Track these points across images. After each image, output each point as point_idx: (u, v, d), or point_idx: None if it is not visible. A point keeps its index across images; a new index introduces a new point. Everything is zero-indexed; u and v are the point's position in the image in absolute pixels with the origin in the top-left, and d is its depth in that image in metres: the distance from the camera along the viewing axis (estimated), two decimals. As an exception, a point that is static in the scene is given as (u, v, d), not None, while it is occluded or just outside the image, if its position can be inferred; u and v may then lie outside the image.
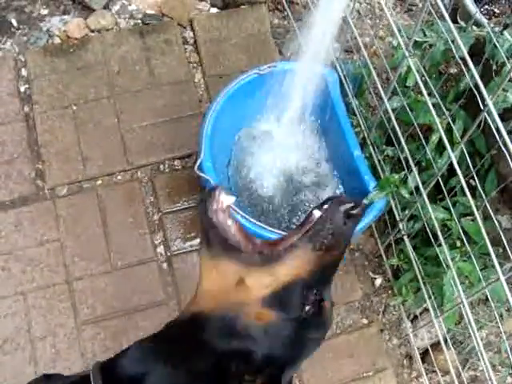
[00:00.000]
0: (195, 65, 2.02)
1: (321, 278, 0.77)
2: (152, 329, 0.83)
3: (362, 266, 1.81)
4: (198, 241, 1.76)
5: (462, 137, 1.31)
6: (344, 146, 1.64)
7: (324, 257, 0.75)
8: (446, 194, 1.36)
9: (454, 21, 1.99)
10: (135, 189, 1.82)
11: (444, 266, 1.41)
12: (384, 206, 1.57)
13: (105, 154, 1.84)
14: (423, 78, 1.39)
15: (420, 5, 2.19)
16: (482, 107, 1.15)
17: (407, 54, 1.39)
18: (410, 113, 1.47)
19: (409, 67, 1.41)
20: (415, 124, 1.44)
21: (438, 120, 1.33)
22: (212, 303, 0.76)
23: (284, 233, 0.93)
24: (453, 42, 1.31)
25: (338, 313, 1.75)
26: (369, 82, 1.69)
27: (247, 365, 0.72)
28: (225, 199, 0.80)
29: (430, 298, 1.54)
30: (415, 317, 1.73)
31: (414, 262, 1.58)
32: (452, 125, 1.36)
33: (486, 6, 2.05)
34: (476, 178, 1.24)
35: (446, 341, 1.56)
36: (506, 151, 1.10)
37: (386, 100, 1.53)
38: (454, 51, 1.30)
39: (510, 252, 1.18)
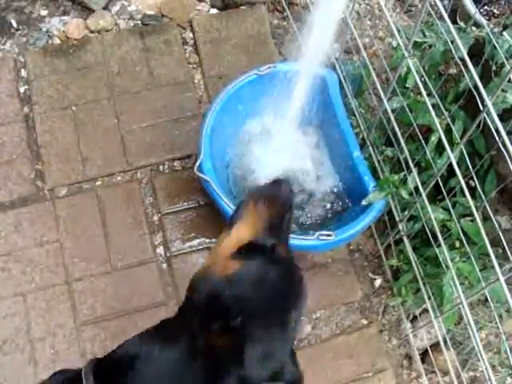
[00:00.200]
0: (195, 65, 2.02)
1: (272, 230, 0.94)
2: (152, 329, 0.83)
3: (362, 266, 1.81)
4: (197, 241, 1.76)
5: (461, 137, 1.31)
6: (344, 146, 1.65)
7: (269, 210, 0.96)
8: (445, 194, 1.36)
9: (454, 21, 1.99)
10: (135, 189, 1.81)
11: (443, 266, 1.41)
12: (383, 206, 1.57)
13: (104, 154, 1.84)
14: (423, 79, 1.39)
15: (419, 5, 2.19)
16: (481, 108, 1.15)
17: (407, 54, 1.39)
18: (409, 113, 1.47)
19: (408, 68, 1.41)
20: (415, 124, 1.44)
21: (437, 120, 1.33)
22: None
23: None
24: (452, 42, 1.31)
25: (337, 313, 1.75)
26: (368, 83, 1.69)
27: (217, 314, 0.80)
28: None
29: (429, 298, 1.54)
30: (415, 317, 1.73)
31: (413, 262, 1.58)
32: (451, 125, 1.36)
33: (486, 7, 2.05)
34: (475, 179, 1.24)
35: (445, 341, 1.56)
36: (505, 152, 1.10)
37: (385, 100, 1.53)
38: (454, 52, 1.31)
39: (509, 253, 1.19)
